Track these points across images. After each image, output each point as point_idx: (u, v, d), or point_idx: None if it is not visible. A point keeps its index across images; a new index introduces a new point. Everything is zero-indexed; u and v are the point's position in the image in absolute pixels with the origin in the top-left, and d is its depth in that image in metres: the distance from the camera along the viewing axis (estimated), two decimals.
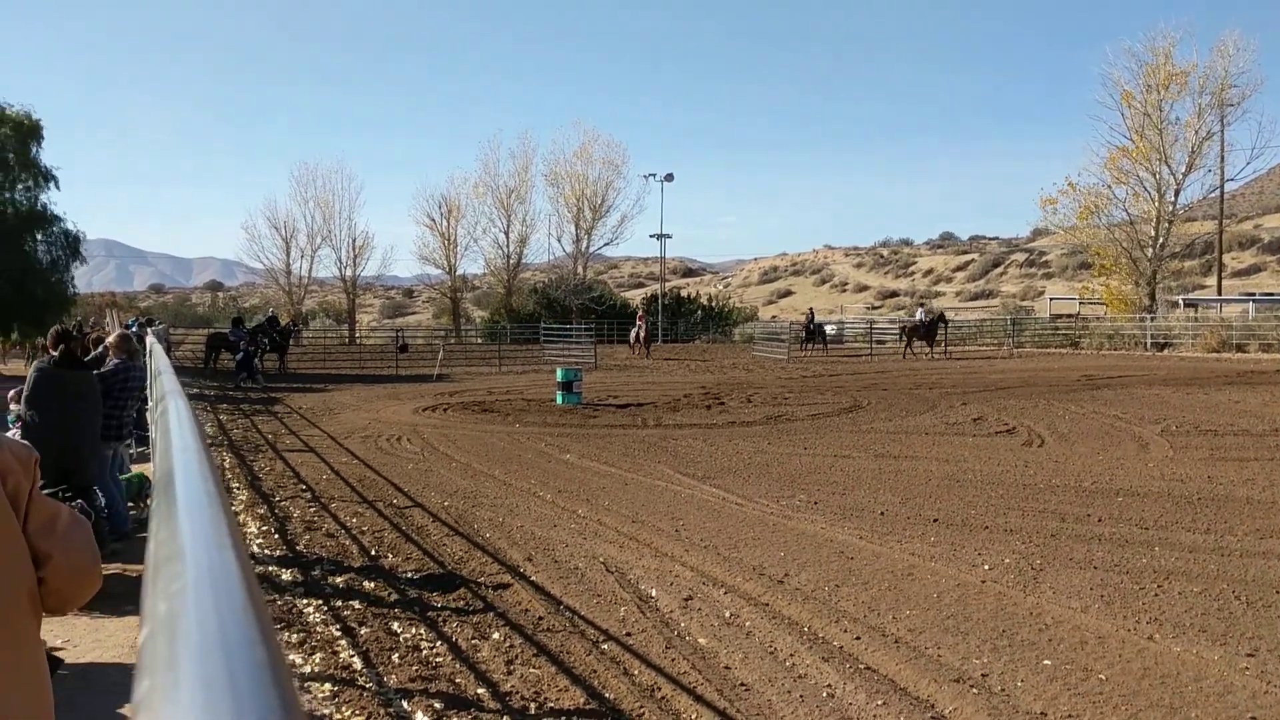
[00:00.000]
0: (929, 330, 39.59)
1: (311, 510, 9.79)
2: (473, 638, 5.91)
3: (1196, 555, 7.48)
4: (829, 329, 54.00)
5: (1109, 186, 44.91)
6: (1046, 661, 5.33)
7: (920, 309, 46.01)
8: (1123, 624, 5.93)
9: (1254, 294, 53.86)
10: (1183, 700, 4.78)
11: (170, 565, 0.69)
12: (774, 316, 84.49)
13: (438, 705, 4.85)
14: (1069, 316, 52.58)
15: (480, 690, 5.09)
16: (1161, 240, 44.00)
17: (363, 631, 6.00)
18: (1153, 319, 41.97)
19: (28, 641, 2.12)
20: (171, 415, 2.04)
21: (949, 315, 46.89)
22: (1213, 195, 47.26)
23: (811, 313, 45.95)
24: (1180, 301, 48.57)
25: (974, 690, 4.95)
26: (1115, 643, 5.60)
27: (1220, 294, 53.08)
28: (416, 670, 5.33)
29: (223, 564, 0.67)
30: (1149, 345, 39.74)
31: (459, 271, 66.25)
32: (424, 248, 63.87)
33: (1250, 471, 11.08)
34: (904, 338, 40.31)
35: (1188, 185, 44.21)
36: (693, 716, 4.75)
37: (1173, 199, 43.95)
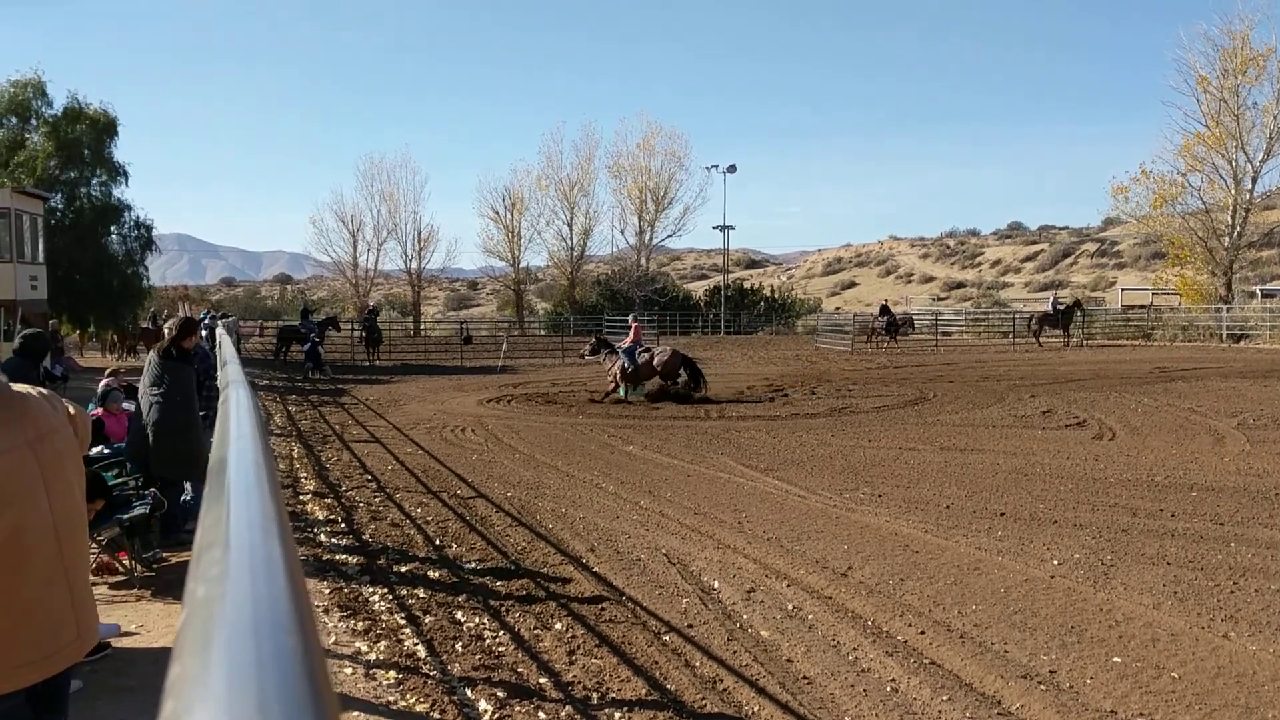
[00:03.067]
0: (1064, 318, 38.88)
1: (377, 500, 9.92)
2: (535, 628, 5.94)
3: (1275, 552, 7.27)
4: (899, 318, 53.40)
5: (1183, 174, 43.73)
6: (1117, 659, 5.22)
7: (1053, 295, 45.19)
8: (1196, 621, 5.78)
9: None
10: (1259, 700, 4.64)
11: (212, 550, 0.69)
12: (838, 308, 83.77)
13: (500, 694, 4.88)
14: (1141, 307, 51.43)
15: (543, 680, 5.12)
16: (1238, 229, 42.76)
17: (427, 620, 6.06)
18: (1229, 310, 40.85)
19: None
20: (233, 404, 2.08)
21: (1084, 304, 45.89)
22: None
23: (887, 305, 45.17)
24: (1258, 292, 47.24)
25: (1041, 687, 4.86)
26: (1189, 640, 5.46)
27: None
28: (480, 659, 5.37)
29: (266, 550, 0.67)
30: (1225, 337, 38.70)
31: (522, 264, 66.64)
32: (488, 240, 64.38)
33: None
34: (1036, 326, 39.56)
35: (1266, 172, 42.88)
36: (755, 709, 4.73)
37: (1250, 186, 42.67)
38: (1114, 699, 4.70)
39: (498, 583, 6.95)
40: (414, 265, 63.32)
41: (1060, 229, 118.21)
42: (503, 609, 6.32)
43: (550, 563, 7.47)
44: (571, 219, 63.64)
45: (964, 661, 5.23)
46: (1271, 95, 42.08)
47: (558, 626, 5.95)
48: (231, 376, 3.46)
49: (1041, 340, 38.54)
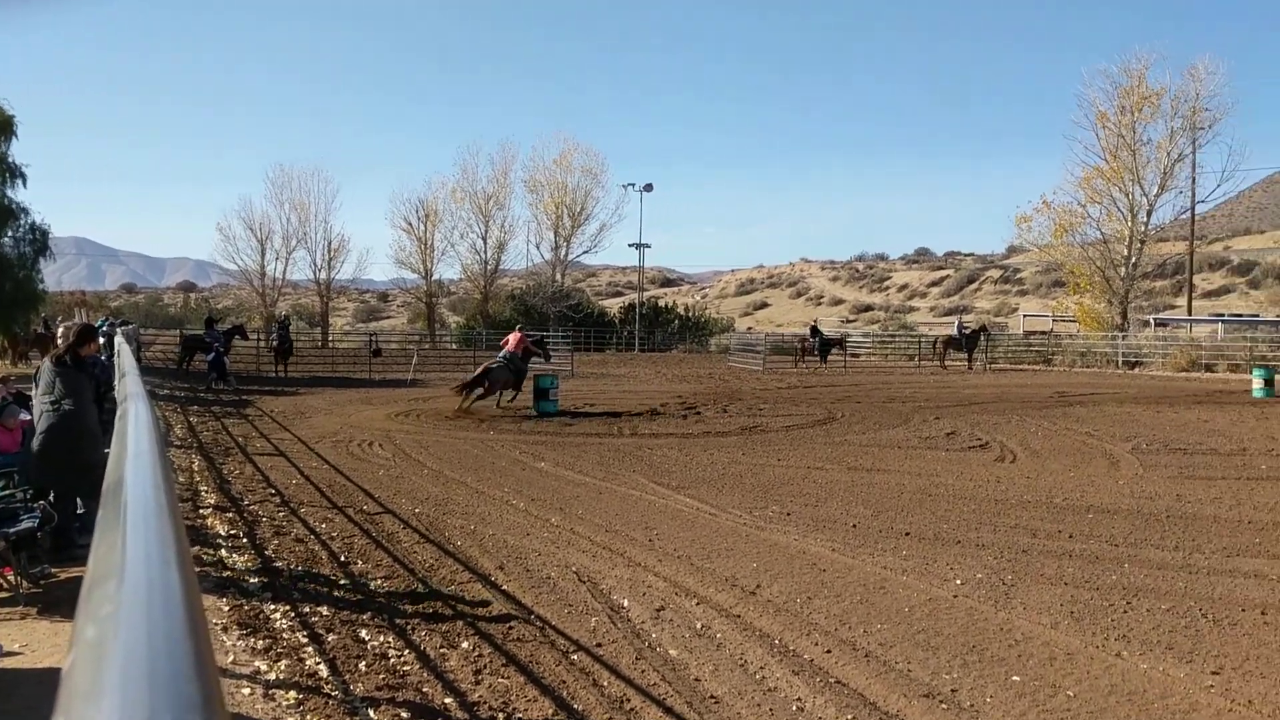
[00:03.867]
0: (969, 342, 39.68)
1: (281, 515, 9.69)
2: (441, 646, 5.85)
3: (1165, 573, 7.52)
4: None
5: (1083, 205, 45.33)
6: (1016, 677, 5.33)
7: (958, 319, 46.10)
8: (1091, 640, 5.95)
9: (1223, 315, 54.47)
10: (1148, 717, 4.79)
11: (104, 584, 0.64)
12: (750, 328, 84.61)
13: (404, 714, 4.79)
14: (1042, 333, 52.95)
15: (448, 700, 5.04)
16: (1134, 260, 44.41)
17: (330, 638, 5.93)
18: (1124, 337, 42.31)
19: None
20: (131, 419, 1.99)
21: (990, 328, 46.90)
22: (1184, 216, 47.80)
23: (816, 325, 45.68)
24: (1151, 321, 49.02)
25: (943, 706, 4.95)
26: (1084, 659, 5.61)
27: (1190, 314, 53.64)
28: (384, 679, 5.27)
29: (164, 585, 0.63)
30: (1120, 363, 40.05)
31: (435, 276, 66.04)
32: (400, 251, 63.68)
33: (1218, 490, 11.17)
34: (941, 349, 40.30)
35: (1160, 206, 44.72)
36: None
37: (1145, 219, 44.40)
38: (1012, 717, 4.80)
39: (404, 600, 6.83)
40: (323, 275, 62.28)
41: (966, 255, 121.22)
42: (408, 627, 6.22)
43: (458, 580, 7.38)
44: (486, 232, 63.31)
45: (869, 680, 5.29)
46: (1165, 132, 43.86)
47: (464, 645, 5.87)
48: (130, 389, 3.34)
49: (946, 363, 39.44)
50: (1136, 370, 38.78)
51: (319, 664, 5.49)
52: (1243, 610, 6.53)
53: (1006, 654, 5.71)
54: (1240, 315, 53.79)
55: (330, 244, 61.62)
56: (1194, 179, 45.01)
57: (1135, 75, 43.69)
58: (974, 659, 5.62)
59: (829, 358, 40.23)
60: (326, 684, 5.20)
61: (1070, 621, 6.33)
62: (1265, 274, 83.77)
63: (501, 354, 20.94)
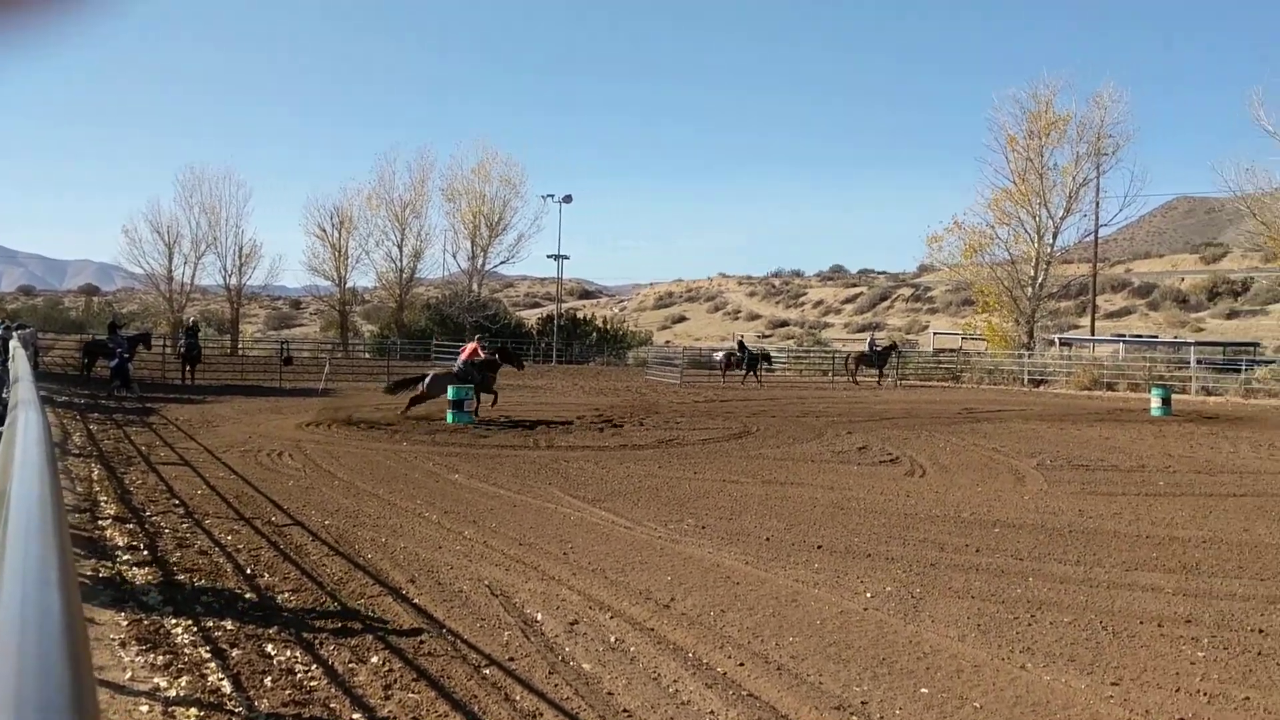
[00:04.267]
0: (881, 359, 40.32)
1: (185, 526, 9.41)
2: (350, 661, 5.73)
3: (1067, 586, 7.71)
4: (719, 356, 54.61)
5: (992, 226, 46.61)
6: (924, 689, 5.41)
7: (871, 336, 46.84)
8: (997, 653, 6.06)
9: (1124, 335, 56.35)
10: None
11: None
12: (668, 341, 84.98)
13: None
14: (951, 351, 54.17)
15: (356, 715, 4.93)
16: (1040, 280, 45.73)
17: (234, 653, 5.76)
18: (1030, 356, 43.49)
19: None
20: (20, 428, 1.90)
21: (900, 346, 47.73)
22: (1088, 239, 49.38)
23: (743, 341, 46.04)
24: (1056, 340, 50.49)
25: (854, 718, 4.99)
26: (990, 671, 5.71)
27: (1093, 334, 55.36)
28: (290, 694, 5.14)
29: (41, 605, 0.59)
30: (1026, 381, 41.14)
31: (349, 284, 65.13)
32: (314, 258, 62.67)
33: (1118, 505, 11.51)
34: (852, 365, 40.88)
35: (1065, 229, 46.20)
36: None
37: (1051, 241, 45.79)
38: None
39: (312, 614, 6.68)
40: (234, 281, 60.99)
41: (879, 273, 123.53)
42: (316, 641, 6.08)
43: (369, 594, 7.24)
44: (402, 240, 62.66)
45: (780, 693, 5.32)
46: (1071, 157, 45.32)
47: (374, 660, 5.76)
48: (22, 395, 3.20)
49: (857, 379, 40.08)
50: (1041, 388, 39.85)
51: (222, 680, 5.33)
52: (1141, 623, 6.73)
53: (915, 666, 5.79)
54: (1140, 336, 55.72)
55: (242, 249, 60.38)
56: (1098, 203, 46.63)
57: (1043, 101, 45.12)
58: (884, 671, 5.69)
59: (757, 373, 40.61)
60: (230, 700, 5.06)
61: (977, 634, 6.45)
62: (1164, 296, 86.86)
63: (457, 362, 21.40)
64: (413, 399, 21.07)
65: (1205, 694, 5.37)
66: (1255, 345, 49.76)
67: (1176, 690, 5.43)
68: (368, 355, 58.31)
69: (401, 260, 62.90)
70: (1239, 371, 37.17)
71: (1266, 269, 62.90)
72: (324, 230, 61.90)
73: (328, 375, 31.68)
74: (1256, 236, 42.58)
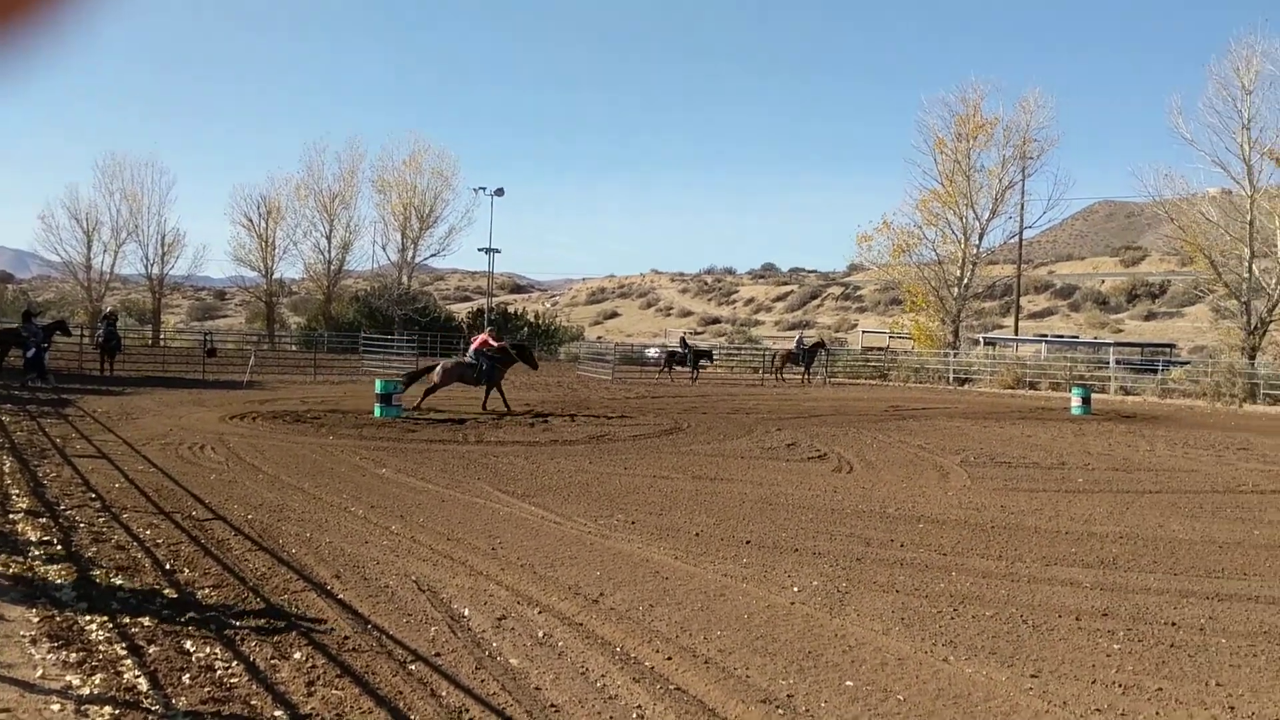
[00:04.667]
0: (808, 357, 40.71)
1: (101, 520, 9.17)
2: (272, 658, 5.63)
3: (989, 580, 7.86)
4: (652, 352, 54.80)
5: (920, 227, 47.44)
6: (849, 682, 5.47)
7: (799, 335, 47.28)
8: (921, 646, 6.15)
9: (1047, 335, 57.72)
10: (973, 718, 4.98)
11: None
12: (600, 337, 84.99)
13: None
14: (879, 349, 54.96)
15: (278, 712, 4.84)
16: (966, 280, 46.60)
17: (151, 650, 5.62)
18: (956, 355, 44.29)
19: None
20: None
21: (829, 344, 48.21)
22: (1012, 241, 50.49)
23: (685, 338, 46.33)
24: (981, 340, 51.51)
25: (780, 711, 5.03)
26: (913, 664, 5.80)
27: (1017, 334, 56.57)
28: (209, 691, 5.03)
29: None
30: (952, 380, 41.89)
31: (276, 275, 64.15)
32: (239, 249, 61.66)
33: (1039, 501, 11.76)
34: (779, 363, 41.20)
35: (991, 230, 47.19)
36: None
37: (977, 242, 46.71)
38: None
39: (233, 610, 6.54)
40: (156, 270, 59.67)
41: (810, 272, 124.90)
42: (237, 638, 5.95)
43: (292, 589, 7.12)
44: (331, 231, 61.87)
45: (708, 687, 5.34)
46: (997, 160, 46.25)
47: (297, 656, 5.66)
48: None
49: (783, 377, 40.47)
50: (966, 386, 40.62)
51: (138, 677, 5.20)
52: (1059, 616, 6.88)
53: (841, 660, 5.85)
54: (1061, 336, 57.10)
55: (164, 238, 59.15)
56: (1022, 205, 47.69)
57: (971, 104, 46.01)
58: (810, 665, 5.74)
59: (699, 368, 40.86)
60: (146, 698, 4.93)
61: (901, 628, 6.54)
62: (1085, 298, 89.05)
63: (469, 352, 22.13)
64: (427, 390, 21.58)
65: (1120, 685, 5.51)
66: (1171, 346, 51.30)
67: (1093, 682, 5.56)
68: (295, 348, 57.42)
69: (330, 252, 62.12)
70: (1155, 372, 38.27)
71: (1183, 272, 64.79)
72: (250, 220, 60.91)
73: (253, 368, 31.15)
74: (1174, 241, 43.84)
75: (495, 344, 22.31)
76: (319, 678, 5.32)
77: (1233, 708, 5.18)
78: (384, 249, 63.80)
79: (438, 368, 22.02)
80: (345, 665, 5.53)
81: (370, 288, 65.96)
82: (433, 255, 65.55)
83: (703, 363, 42.02)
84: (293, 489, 11.26)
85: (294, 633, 6.10)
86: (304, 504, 10.38)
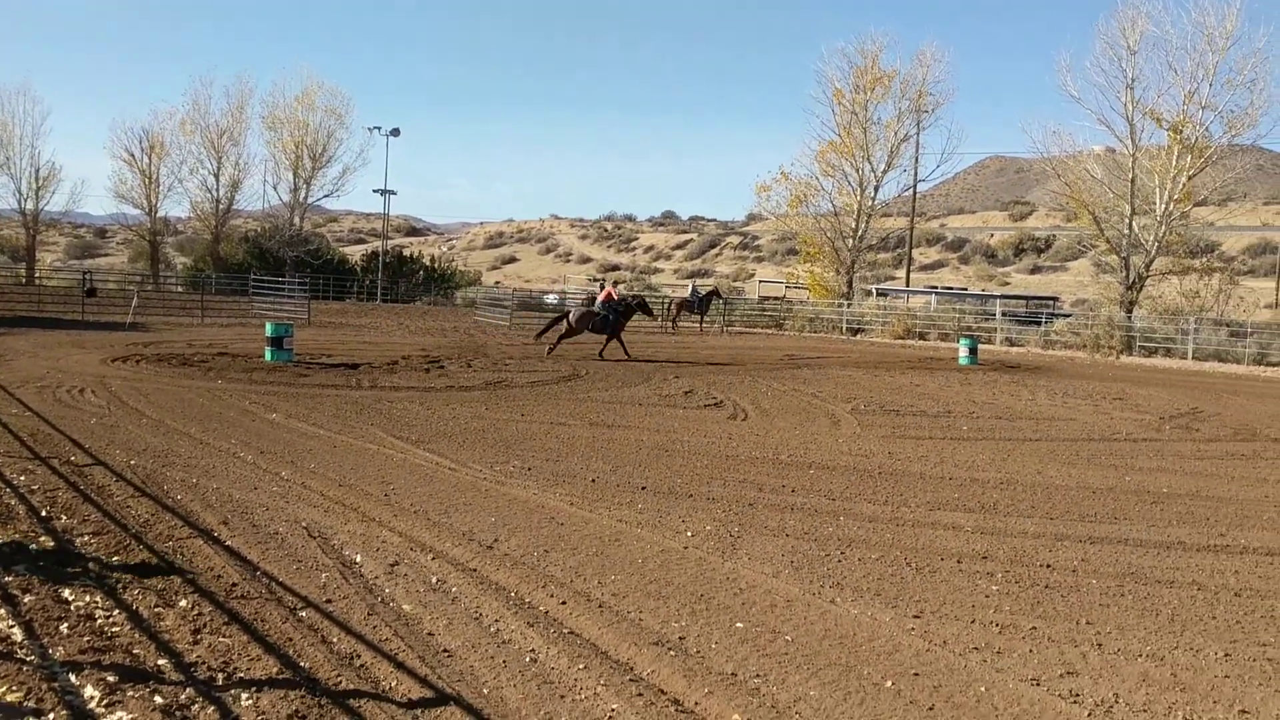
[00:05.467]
0: (703, 305, 40.91)
1: None
2: (156, 606, 5.49)
3: (875, 525, 8.09)
4: (551, 298, 54.60)
5: (818, 178, 47.87)
6: (739, 624, 5.59)
7: (693, 283, 47.45)
8: (809, 588, 6.31)
9: (936, 287, 59.15)
10: (857, 659, 5.13)
11: None
12: (498, 282, 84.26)
13: (111, 679, 4.46)
14: (776, 299, 55.67)
15: (162, 661, 4.74)
16: (861, 232, 47.35)
17: (26, 600, 5.44)
18: (849, 305, 45.10)
19: None
20: None
21: (723, 291, 48.49)
22: (906, 194, 51.49)
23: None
24: (874, 291, 52.52)
25: (671, 653, 5.11)
26: (801, 606, 5.95)
27: (908, 286, 57.87)
28: (89, 641, 4.89)
29: None
30: (845, 330, 42.70)
31: (160, 213, 61.84)
32: (121, 185, 59.22)
33: (925, 449, 12.12)
34: (674, 311, 41.32)
35: (886, 183, 47.95)
36: (393, 684, 4.63)
37: (872, 194, 47.39)
38: (735, 662, 5.03)
39: (114, 557, 6.36)
40: (30, 206, 56.94)
41: (709, 220, 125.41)
42: (119, 586, 5.79)
43: (177, 536, 6.94)
44: (219, 169, 59.81)
45: (601, 630, 5.40)
46: (894, 113, 46.87)
47: (182, 604, 5.54)
48: None
49: (677, 325, 40.75)
50: (859, 336, 41.46)
51: (12, 627, 5.03)
52: (941, 559, 7.12)
53: (732, 602, 5.97)
54: (951, 289, 58.58)
55: (39, 172, 56.41)
56: (917, 159, 48.55)
57: (870, 56, 46.42)
58: (702, 608, 5.84)
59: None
60: (21, 648, 4.78)
61: (790, 571, 6.69)
62: (975, 251, 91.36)
63: (596, 303, 24.22)
64: (561, 336, 23.73)
65: (997, 625, 5.74)
66: (1055, 299, 53.09)
67: (972, 622, 5.79)
68: (181, 289, 55.62)
69: (218, 190, 60.11)
70: (1039, 324, 39.57)
71: (1068, 228, 66.93)
72: (132, 155, 58.50)
73: (136, 309, 30.10)
74: (1059, 197, 45.14)
75: (615, 298, 24.31)
76: (205, 625, 5.22)
77: (1100, 645, 5.45)
78: (275, 188, 62.09)
79: (571, 316, 24.00)
80: (233, 612, 5.44)
81: (261, 228, 64.06)
82: (326, 196, 64.02)
83: (715, 303, 42.38)
84: (179, 434, 10.96)
85: (179, 580, 5.96)
86: (190, 449, 10.11)
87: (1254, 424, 15.95)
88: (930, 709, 4.53)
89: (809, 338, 40.60)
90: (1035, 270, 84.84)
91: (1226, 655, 5.35)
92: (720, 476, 9.85)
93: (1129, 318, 36.44)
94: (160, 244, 64.35)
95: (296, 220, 62.58)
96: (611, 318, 23.56)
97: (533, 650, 5.10)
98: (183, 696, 4.34)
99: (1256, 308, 45.52)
